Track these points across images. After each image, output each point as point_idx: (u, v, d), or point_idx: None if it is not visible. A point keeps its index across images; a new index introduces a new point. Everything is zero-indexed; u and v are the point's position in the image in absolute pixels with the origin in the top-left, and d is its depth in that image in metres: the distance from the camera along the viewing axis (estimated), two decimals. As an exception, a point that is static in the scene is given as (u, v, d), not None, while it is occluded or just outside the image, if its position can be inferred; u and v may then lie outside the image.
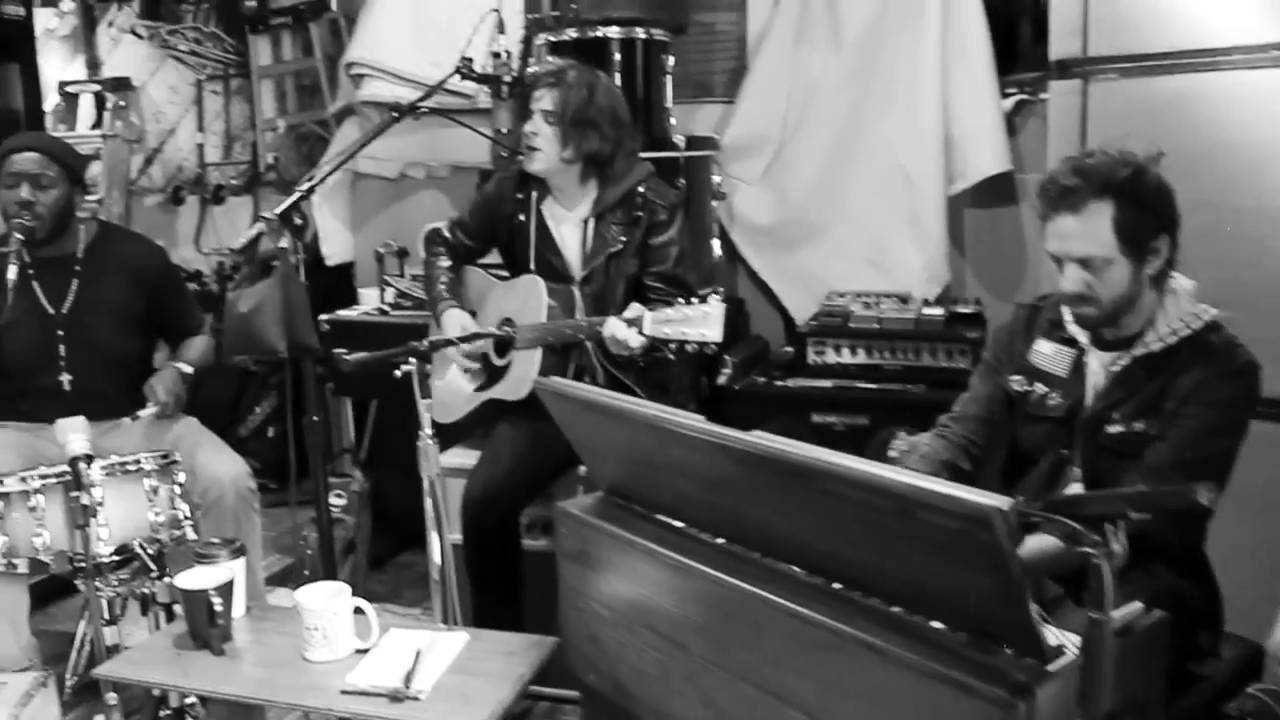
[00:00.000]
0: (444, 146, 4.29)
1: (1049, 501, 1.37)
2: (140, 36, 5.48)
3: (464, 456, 3.07)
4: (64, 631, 3.26)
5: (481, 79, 2.65)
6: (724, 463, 1.55)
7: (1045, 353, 2.23)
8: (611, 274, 2.84)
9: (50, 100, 5.60)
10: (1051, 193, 2.02)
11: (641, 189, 2.84)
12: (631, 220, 2.83)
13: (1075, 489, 2.12)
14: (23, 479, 2.48)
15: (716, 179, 3.77)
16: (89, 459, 2.33)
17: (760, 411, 3.35)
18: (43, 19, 5.90)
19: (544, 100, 2.75)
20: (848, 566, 1.56)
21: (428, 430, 2.16)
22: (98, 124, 5.33)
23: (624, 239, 2.82)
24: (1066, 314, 2.19)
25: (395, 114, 2.46)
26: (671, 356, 2.44)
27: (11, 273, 2.71)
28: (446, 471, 3.03)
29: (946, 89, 3.69)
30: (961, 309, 3.51)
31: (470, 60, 2.61)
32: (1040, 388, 2.21)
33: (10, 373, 3.04)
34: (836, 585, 1.59)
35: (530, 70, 2.81)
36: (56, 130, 5.49)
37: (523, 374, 2.78)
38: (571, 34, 3.34)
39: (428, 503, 2.26)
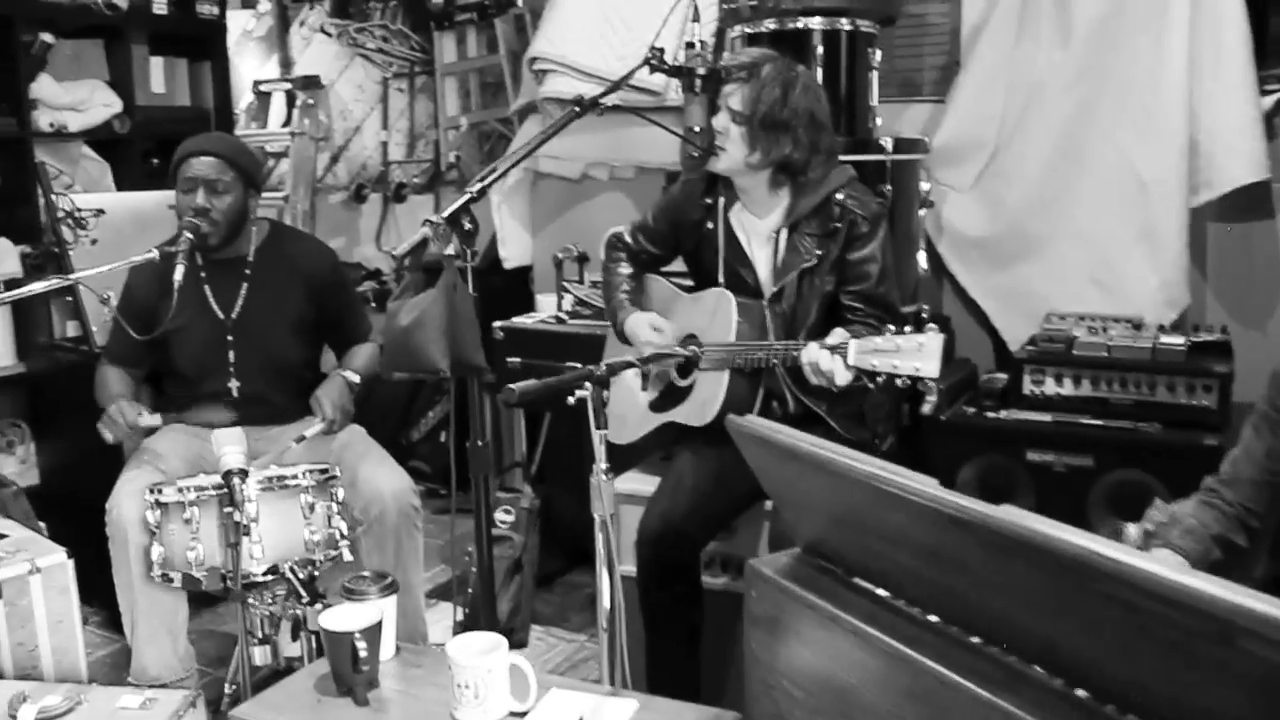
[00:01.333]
0: (629, 146, 4.08)
1: None
2: (329, 34, 5.48)
3: (640, 482, 2.85)
4: (230, 634, 3.20)
5: (673, 71, 2.39)
6: (963, 541, 1.24)
7: (1341, 401, 1.83)
8: (804, 292, 2.55)
9: (244, 99, 5.69)
10: None
11: (840, 196, 2.53)
12: (828, 232, 2.53)
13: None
14: (180, 490, 2.37)
15: (924, 186, 3.42)
16: (244, 474, 2.19)
17: (968, 446, 3.02)
18: (240, 20, 6.02)
19: (733, 96, 2.48)
20: (1104, 676, 1.23)
21: (602, 464, 1.91)
22: (288, 122, 5.37)
23: (819, 253, 2.53)
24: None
25: (577, 108, 2.23)
26: (872, 386, 2.15)
27: (178, 274, 2.60)
28: (621, 498, 2.83)
29: (1193, 87, 3.26)
30: (1205, 337, 3.07)
31: (661, 50, 2.36)
32: (1334, 445, 1.81)
33: (183, 377, 2.97)
34: (1080, 692, 1.26)
35: (724, 60, 2.53)
36: (248, 128, 5.57)
37: (707, 398, 2.52)
38: (770, 25, 3.08)
39: (598, 540, 2.01)
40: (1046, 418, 3.01)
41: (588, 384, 1.89)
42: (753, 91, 2.45)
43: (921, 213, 3.44)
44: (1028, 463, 2.97)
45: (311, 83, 5.31)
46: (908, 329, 2.03)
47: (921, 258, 3.45)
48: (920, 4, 3.74)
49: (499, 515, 3.54)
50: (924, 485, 1.24)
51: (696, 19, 2.45)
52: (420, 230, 1.96)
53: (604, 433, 1.90)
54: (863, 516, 1.45)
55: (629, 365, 2.06)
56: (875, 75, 3.24)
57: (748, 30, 3.13)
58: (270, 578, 2.36)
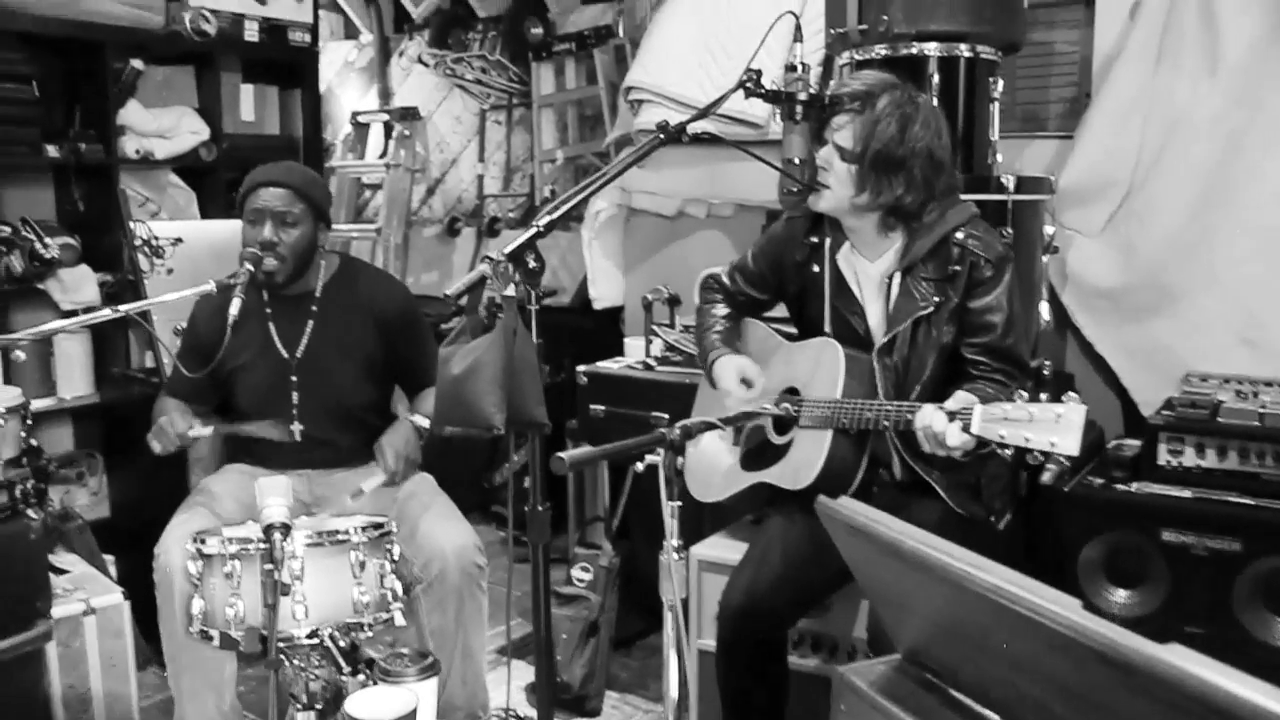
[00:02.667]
0: (728, 181, 3.86)
1: None
2: (426, 65, 5.39)
3: (725, 549, 2.61)
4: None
5: (770, 96, 2.15)
6: (1111, 683, 0.97)
7: None
8: (919, 342, 2.27)
9: (343, 130, 5.64)
10: None
11: (960, 236, 2.25)
12: (946, 275, 2.25)
13: None
14: (223, 541, 2.19)
15: (1048, 229, 3.10)
16: (286, 529, 2.00)
17: (1094, 521, 2.67)
18: (342, 51, 5.99)
19: (843, 131, 2.22)
20: None
21: (674, 541, 1.66)
22: (385, 153, 5.29)
23: (936, 299, 2.25)
24: None
25: (661, 135, 2.00)
26: (1002, 453, 1.88)
27: (234, 309, 2.45)
28: (704, 565, 2.63)
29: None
30: (1375, 407, 2.70)
31: (758, 73, 2.12)
32: None
33: (246, 417, 2.82)
34: None
35: (832, 86, 2.28)
36: (345, 159, 5.51)
37: (805, 459, 2.26)
38: (881, 51, 2.81)
39: (667, 622, 1.77)
40: (1185, 493, 2.66)
41: (659, 449, 1.64)
42: (865, 127, 2.19)
43: (1045, 259, 3.12)
44: (1162, 543, 2.62)
45: (409, 114, 5.23)
46: (1043, 396, 1.76)
47: (1044, 308, 3.12)
48: (1047, 30, 3.43)
49: (575, 573, 3.32)
50: (1064, 609, 0.97)
51: (799, 39, 2.21)
52: (478, 267, 1.74)
53: (676, 504, 1.66)
54: (980, 634, 1.18)
55: (710, 427, 1.81)
56: (996, 107, 2.95)
57: (857, 57, 2.87)
58: (314, 640, 2.16)
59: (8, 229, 3.57)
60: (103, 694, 2.96)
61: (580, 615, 3.28)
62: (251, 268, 2.56)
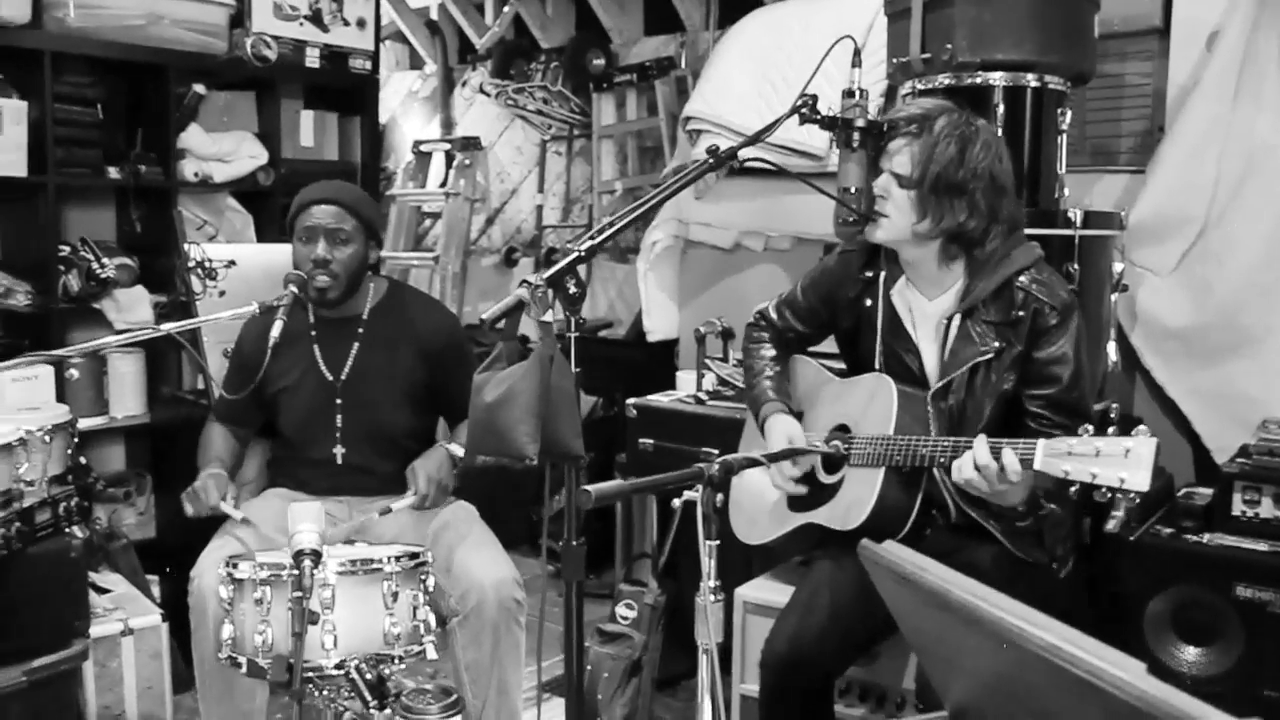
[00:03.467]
0: (786, 214, 3.78)
1: None
2: (488, 94, 5.40)
3: (771, 591, 2.52)
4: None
5: (826, 122, 2.08)
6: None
7: None
8: (976, 387, 2.16)
9: (404, 158, 5.66)
10: None
11: (1023, 280, 2.15)
12: (1009, 321, 2.14)
13: None
14: (255, 567, 2.15)
15: (1117, 267, 2.97)
16: (316, 556, 1.95)
17: (1162, 573, 2.54)
18: (406, 81, 6.04)
19: (899, 155, 2.13)
20: None
21: (710, 583, 1.58)
22: (445, 182, 5.30)
23: (997, 344, 2.15)
24: None
25: (710, 159, 1.94)
26: (1051, 509, 1.78)
27: (275, 331, 2.43)
28: (749, 607, 2.54)
29: None
30: None
31: (813, 99, 2.05)
32: None
33: (288, 440, 2.80)
34: None
35: (890, 112, 2.20)
36: (405, 187, 5.53)
37: (855, 499, 2.17)
38: (945, 80, 2.72)
39: (702, 667, 1.68)
40: (1262, 546, 2.52)
41: (700, 487, 1.56)
42: (923, 151, 2.10)
43: (1113, 297, 3.00)
44: (1236, 599, 2.48)
45: (471, 144, 5.24)
46: (1110, 430, 1.65)
47: (1111, 349, 2.99)
48: (1118, 62, 3.32)
49: (620, 610, 3.24)
50: (1129, 674, 0.88)
51: (857, 64, 2.13)
52: (515, 292, 1.68)
53: (714, 544, 1.58)
54: (1034, 695, 1.08)
55: (753, 463, 1.73)
56: (1064, 139, 2.84)
57: (920, 86, 2.79)
58: (342, 671, 2.10)
59: (67, 248, 3.61)
60: (138, 716, 2.94)
61: (623, 654, 3.19)
62: (296, 290, 2.54)
